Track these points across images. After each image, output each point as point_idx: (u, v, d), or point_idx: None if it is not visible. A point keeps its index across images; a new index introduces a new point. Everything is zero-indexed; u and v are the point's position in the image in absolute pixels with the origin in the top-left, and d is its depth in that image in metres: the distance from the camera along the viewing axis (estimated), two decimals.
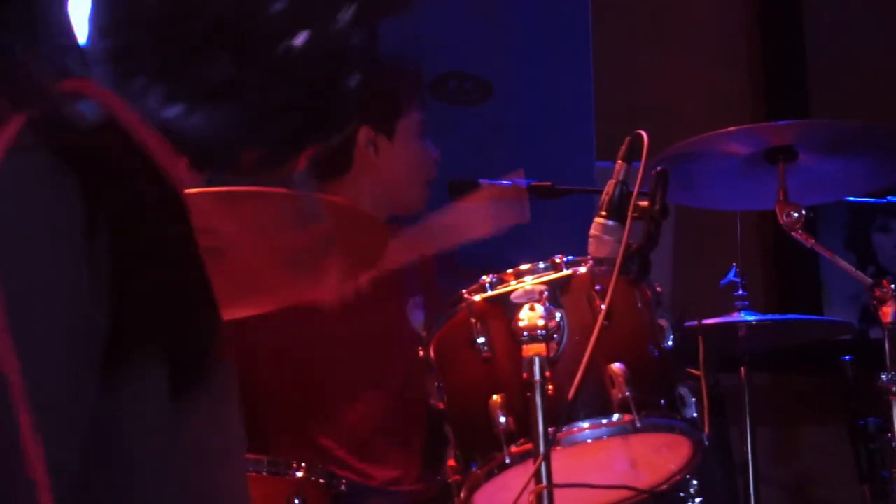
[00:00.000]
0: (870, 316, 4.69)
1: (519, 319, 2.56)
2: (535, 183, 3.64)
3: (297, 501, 2.76)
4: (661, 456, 2.79)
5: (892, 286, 3.17)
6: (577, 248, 2.76)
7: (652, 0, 5.09)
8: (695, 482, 2.90)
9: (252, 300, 2.97)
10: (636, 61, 5.01)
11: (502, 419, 2.60)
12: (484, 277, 2.70)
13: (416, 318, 3.59)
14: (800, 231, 3.25)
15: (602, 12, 4.71)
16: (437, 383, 2.78)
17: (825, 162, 3.43)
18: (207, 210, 2.54)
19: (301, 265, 2.80)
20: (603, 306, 2.61)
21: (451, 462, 2.71)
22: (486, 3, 4.57)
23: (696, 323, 2.74)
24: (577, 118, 4.60)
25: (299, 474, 2.78)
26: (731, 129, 3.32)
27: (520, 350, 2.54)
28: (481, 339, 2.67)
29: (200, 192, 2.80)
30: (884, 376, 3.16)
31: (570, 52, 4.63)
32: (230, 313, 2.96)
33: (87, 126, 1.43)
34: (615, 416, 2.61)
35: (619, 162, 2.78)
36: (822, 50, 5.21)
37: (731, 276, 3.90)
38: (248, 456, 2.84)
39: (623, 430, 2.62)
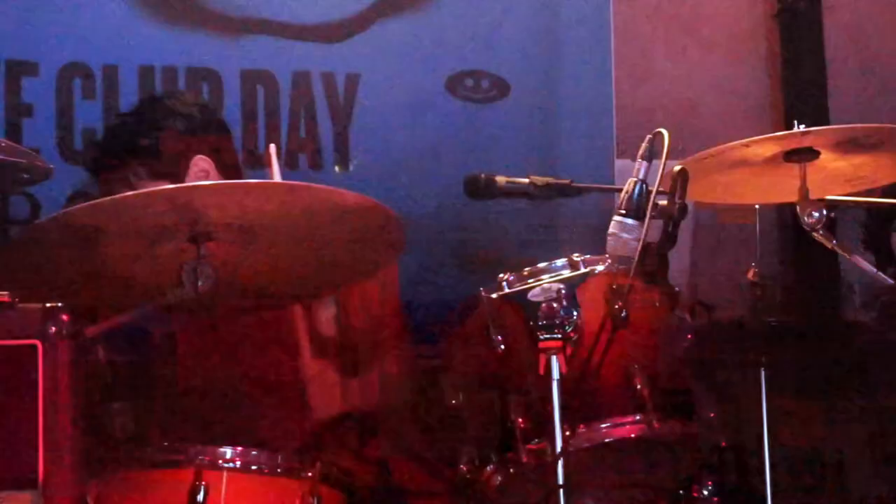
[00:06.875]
0: (890, 317, 4.67)
1: (536, 318, 2.55)
2: (553, 180, 3.61)
3: (312, 500, 2.74)
4: (677, 455, 2.78)
5: None
6: (595, 247, 2.75)
7: None
8: (710, 482, 2.88)
9: (281, 287, 2.93)
10: (655, 60, 4.98)
11: (519, 417, 2.59)
12: (501, 276, 2.69)
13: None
14: (821, 232, 3.22)
15: (622, 10, 4.69)
16: (452, 381, 2.77)
17: (846, 158, 3.41)
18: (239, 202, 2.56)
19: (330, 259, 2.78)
20: (620, 305, 2.59)
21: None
22: (505, 0, 4.56)
23: (705, 322, 2.72)
24: (596, 116, 4.58)
25: (312, 473, 2.76)
26: (755, 138, 3.27)
27: (537, 348, 2.53)
28: (498, 337, 2.66)
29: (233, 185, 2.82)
30: None
31: (589, 49, 4.61)
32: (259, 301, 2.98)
33: None
34: (633, 416, 2.60)
35: (640, 160, 2.76)
36: (841, 46, 5.18)
37: (749, 276, 3.88)
38: (263, 454, 2.81)
39: (640, 430, 2.61)
